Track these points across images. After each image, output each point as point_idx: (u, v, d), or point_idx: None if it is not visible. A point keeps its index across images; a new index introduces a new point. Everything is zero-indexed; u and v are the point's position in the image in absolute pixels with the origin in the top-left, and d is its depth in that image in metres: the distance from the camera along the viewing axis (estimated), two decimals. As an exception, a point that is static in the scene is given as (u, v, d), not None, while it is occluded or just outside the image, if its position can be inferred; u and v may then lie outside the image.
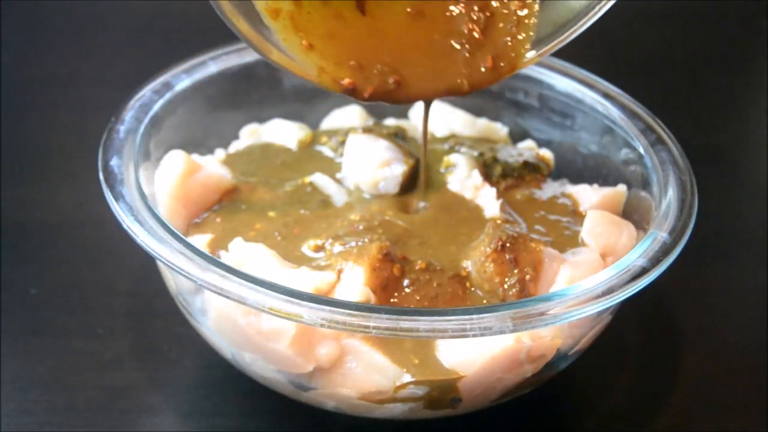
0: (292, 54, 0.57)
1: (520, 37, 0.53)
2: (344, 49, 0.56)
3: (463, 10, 0.52)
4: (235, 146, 0.78)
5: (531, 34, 0.53)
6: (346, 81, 0.57)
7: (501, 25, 0.53)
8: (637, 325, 0.78)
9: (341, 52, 0.56)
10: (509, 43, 0.53)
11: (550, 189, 0.74)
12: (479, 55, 0.54)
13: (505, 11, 0.53)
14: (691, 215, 0.64)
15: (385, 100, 0.59)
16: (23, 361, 0.70)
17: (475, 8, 0.52)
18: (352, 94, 0.59)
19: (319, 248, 0.65)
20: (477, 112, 0.82)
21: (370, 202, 0.70)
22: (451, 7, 0.51)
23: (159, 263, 0.63)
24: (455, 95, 0.59)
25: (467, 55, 0.54)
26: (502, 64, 0.54)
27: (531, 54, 0.56)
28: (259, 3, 0.54)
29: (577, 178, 0.77)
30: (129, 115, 0.69)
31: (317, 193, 0.71)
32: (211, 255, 0.58)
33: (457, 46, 0.53)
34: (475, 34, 0.53)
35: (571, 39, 0.56)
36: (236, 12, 0.56)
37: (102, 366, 0.70)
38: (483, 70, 0.54)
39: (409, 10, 0.52)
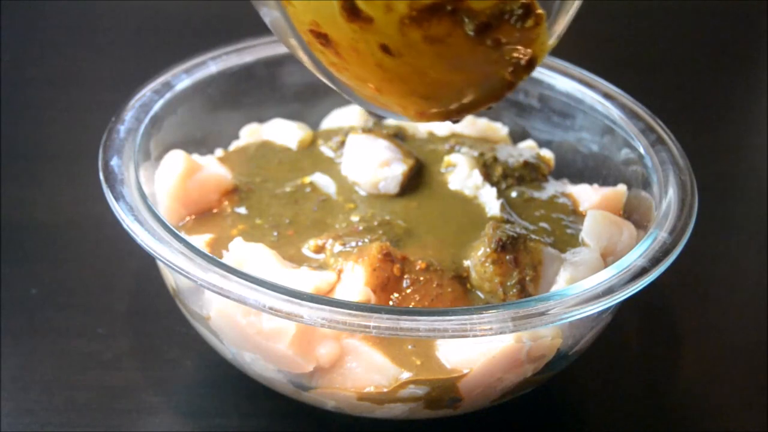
0: (371, 96, 0.59)
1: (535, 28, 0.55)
2: (404, 87, 0.57)
3: (470, 26, 0.54)
4: (235, 146, 0.78)
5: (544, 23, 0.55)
6: (430, 112, 0.59)
7: (512, 24, 0.55)
8: (637, 325, 0.78)
9: (403, 91, 0.58)
10: (529, 36, 0.55)
11: (550, 189, 0.74)
12: (511, 53, 0.55)
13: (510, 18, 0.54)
14: (691, 215, 0.64)
15: (456, 117, 0.61)
16: (23, 361, 0.70)
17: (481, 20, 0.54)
18: (432, 120, 0.61)
19: (319, 248, 0.65)
20: (477, 112, 0.82)
21: (370, 202, 0.70)
22: (458, 27, 0.54)
23: (159, 263, 0.63)
24: (508, 94, 0.61)
25: (500, 57, 0.55)
26: (530, 53, 0.56)
27: (552, 39, 0.58)
28: (322, 61, 0.56)
29: (577, 178, 0.78)
30: (129, 115, 0.69)
31: (317, 193, 0.71)
32: (211, 255, 0.58)
33: (487, 54, 0.55)
34: (494, 40, 0.54)
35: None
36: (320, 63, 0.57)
37: (102, 366, 0.70)
38: (521, 63, 0.56)
39: (423, 39, 0.54)
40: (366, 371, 0.59)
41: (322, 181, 0.72)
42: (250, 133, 0.80)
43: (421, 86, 0.57)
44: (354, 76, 0.57)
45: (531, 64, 0.56)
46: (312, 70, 0.58)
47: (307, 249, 0.65)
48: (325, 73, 0.57)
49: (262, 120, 0.81)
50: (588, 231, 0.67)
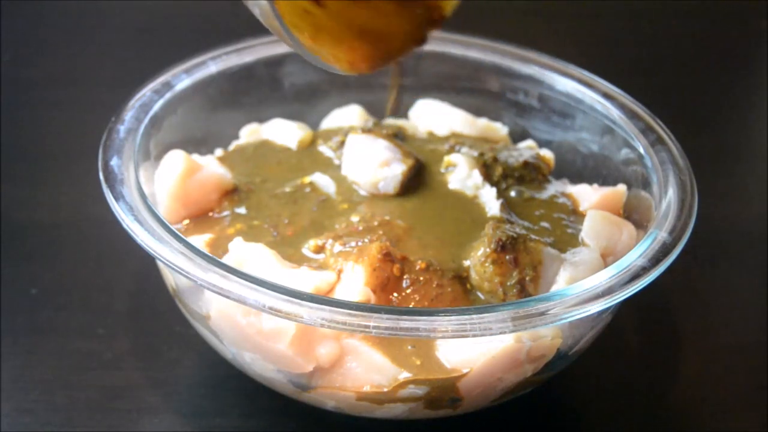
0: (309, 47, 0.62)
1: None
2: (332, 35, 0.62)
3: None
4: (235, 146, 0.78)
5: None
6: (359, 62, 0.64)
7: None
8: (637, 325, 0.78)
9: (332, 39, 0.62)
10: None
11: (550, 189, 0.74)
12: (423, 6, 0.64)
13: None
14: (691, 215, 0.64)
15: (381, 66, 0.66)
16: (23, 361, 0.70)
17: None
18: (362, 71, 0.65)
19: (319, 248, 0.65)
20: (477, 112, 0.82)
21: (370, 202, 0.70)
22: None
23: (159, 263, 0.63)
24: (424, 43, 0.67)
25: (414, 8, 0.64)
26: (440, 6, 0.65)
27: None
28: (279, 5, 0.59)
29: (577, 178, 0.78)
30: (129, 115, 0.69)
31: (317, 193, 0.71)
32: (211, 255, 0.58)
33: (403, 5, 0.63)
34: None
35: None
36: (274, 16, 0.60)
37: (102, 366, 0.71)
38: (432, 16, 0.64)
39: None
40: (366, 371, 0.59)
41: (322, 181, 0.72)
42: (250, 133, 0.80)
43: (347, 34, 0.62)
44: (289, 23, 0.59)
45: (442, 16, 0.63)
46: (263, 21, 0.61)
47: (306, 249, 0.65)
48: (280, 20, 0.59)
49: (262, 120, 0.81)
50: (588, 231, 0.67)
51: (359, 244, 0.64)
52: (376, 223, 0.66)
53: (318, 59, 0.62)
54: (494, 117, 0.83)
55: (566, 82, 0.79)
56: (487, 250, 0.63)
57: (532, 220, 0.69)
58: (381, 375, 0.59)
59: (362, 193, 0.71)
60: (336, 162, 0.75)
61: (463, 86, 0.83)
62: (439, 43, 0.82)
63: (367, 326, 0.53)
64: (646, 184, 0.70)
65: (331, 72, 0.63)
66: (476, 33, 0.83)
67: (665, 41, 1.26)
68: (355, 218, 0.67)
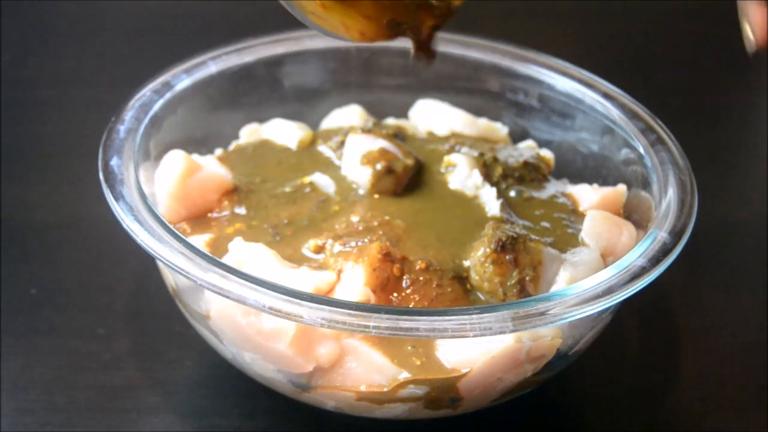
0: (317, 16, 0.61)
1: None
2: (346, 3, 0.60)
3: None
4: (235, 146, 0.78)
5: None
6: (372, 32, 0.62)
7: None
8: (637, 325, 0.78)
9: (345, 8, 0.60)
10: None
11: (550, 189, 0.74)
12: None
13: None
14: (691, 215, 0.64)
15: (396, 37, 0.64)
16: (23, 361, 0.70)
17: None
18: (374, 40, 0.63)
19: (319, 248, 0.65)
20: (477, 112, 0.82)
21: (370, 202, 0.70)
22: None
23: (159, 263, 0.63)
24: (450, 16, 0.65)
25: None
26: None
27: None
28: None
29: (577, 178, 0.78)
30: (129, 115, 0.69)
31: (317, 193, 0.71)
32: (211, 255, 0.58)
33: None
34: None
35: None
36: None
37: (102, 366, 0.71)
38: None
39: None
40: (366, 371, 0.59)
41: (322, 181, 0.72)
42: (250, 133, 0.80)
43: (362, 3, 0.60)
44: None
45: None
46: None
47: (306, 249, 0.65)
48: None
49: (262, 120, 0.81)
50: (588, 231, 0.67)
51: (359, 244, 0.64)
52: (376, 223, 0.66)
53: (322, 27, 0.60)
54: (494, 117, 0.83)
55: (566, 82, 0.79)
56: (487, 250, 0.63)
57: (532, 220, 0.69)
58: (381, 375, 0.59)
59: (362, 193, 0.71)
60: (336, 162, 0.75)
61: (463, 86, 0.83)
62: (439, 43, 0.82)
63: (367, 326, 0.53)
64: (646, 184, 0.70)
65: (338, 40, 0.62)
66: (476, 33, 0.83)
67: (665, 41, 1.26)
68: (355, 218, 0.67)
